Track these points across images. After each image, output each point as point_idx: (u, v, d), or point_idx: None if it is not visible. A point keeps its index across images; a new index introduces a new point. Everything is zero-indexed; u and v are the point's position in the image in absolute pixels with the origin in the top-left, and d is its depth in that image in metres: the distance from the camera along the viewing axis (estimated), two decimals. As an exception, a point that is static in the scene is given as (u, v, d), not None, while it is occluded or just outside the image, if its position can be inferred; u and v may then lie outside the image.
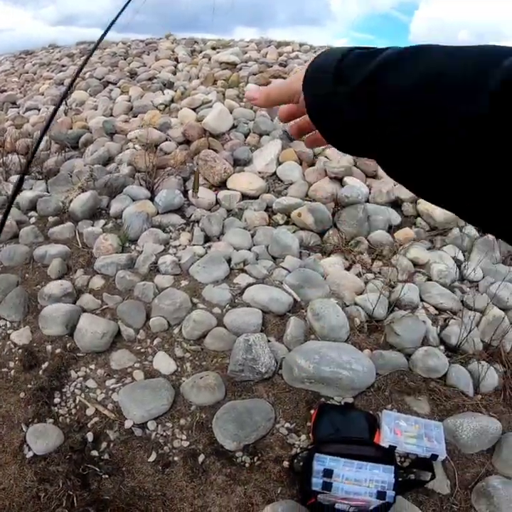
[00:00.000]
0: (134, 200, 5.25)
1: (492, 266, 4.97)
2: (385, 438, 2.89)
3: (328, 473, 2.54)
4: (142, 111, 7.50)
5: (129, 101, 8.14)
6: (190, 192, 5.40)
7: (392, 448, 2.81)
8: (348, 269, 4.62)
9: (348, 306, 4.07)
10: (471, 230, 5.30)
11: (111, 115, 7.75)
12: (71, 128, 7.40)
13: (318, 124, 0.60)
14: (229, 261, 4.42)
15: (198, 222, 5.07)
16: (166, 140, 6.46)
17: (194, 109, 7.20)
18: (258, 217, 5.08)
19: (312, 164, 5.94)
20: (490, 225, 0.45)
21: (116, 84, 9.28)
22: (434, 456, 2.85)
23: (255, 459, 2.95)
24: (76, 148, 6.85)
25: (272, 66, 9.07)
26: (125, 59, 10.88)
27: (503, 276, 4.61)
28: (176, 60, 10.28)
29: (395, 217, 5.31)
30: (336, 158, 5.88)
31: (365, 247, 4.89)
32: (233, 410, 3.12)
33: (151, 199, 5.30)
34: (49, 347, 3.64)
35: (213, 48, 10.95)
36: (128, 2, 2.26)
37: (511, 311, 4.42)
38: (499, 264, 5.06)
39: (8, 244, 4.74)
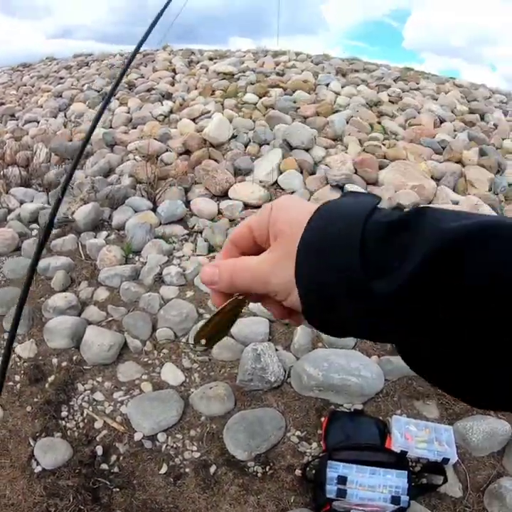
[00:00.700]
0: (136, 212, 5.27)
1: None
2: (396, 443, 2.88)
3: (342, 480, 2.53)
4: (141, 122, 7.55)
5: (128, 112, 8.21)
6: (191, 202, 5.44)
7: (404, 453, 2.80)
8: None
9: (355, 313, 4.08)
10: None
11: (110, 127, 7.83)
12: (71, 140, 7.45)
13: (322, 329, 0.47)
14: (233, 272, 4.42)
15: (200, 232, 5.09)
16: (167, 151, 6.49)
17: (193, 120, 7.26)
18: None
19: (313, 173, 5.97)
20: None
21: (114, 95, 9.30)
22: (446, 460, 2.84)
23: (267, 468, 2.94)
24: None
25: (269, 75, 9.16)
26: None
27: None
28: (174, 71, 10.37)
29: (397, 224, 5.30)
30: (337, 166, 5.91)
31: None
32: (243, 420, 3.11)
33: (154, 210, 5.32)
34: (55, 360, 3.62)
35: (210, 59, 11.05)
36: (160, 13, 2.26)
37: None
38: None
39: (11, 257, 4.74)
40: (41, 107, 9.69)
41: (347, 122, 7.21)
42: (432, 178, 6.17)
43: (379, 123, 7.57)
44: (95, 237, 4.99)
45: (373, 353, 3.74)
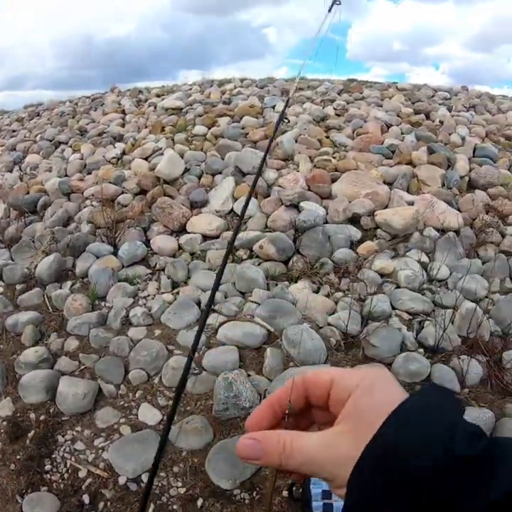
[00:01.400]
0: (97, 257, 5.30)
1: (457, 262, 5.15)
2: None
3: (326, 494, 2.57)
4: (95, 167, 7.59)
5: (82, 159, 8.24)
6: (151, 241, 5.51)
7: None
8: (316, 291, 4.72)
9: (321, 327, 4.17)
10: (430, 231, 5.47)
11: (66, 175, 7.82)
12: (28, 192, 7.43)
13: None
14: (198, 303, 4.50)
15: (163, 269, 5.15)
16: (122, 193, 6.55)
17: (146, 159, 7.33)
18: (221, 255, 5.13)
19: (267, 195, 6.06)
20: None
21: (67, 143, 9.37)
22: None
23: (254, 493, 2.98)
24: (35, 213, 6.89)
25: (216, 105, 9.31)
26: (73, 117, 11.02)
27: (468, 270, 4.76)
28: (123, 112, 10.45)
29: (355, 233, 5.44)
30: (290, 186, 6.02)
31: (331, 267, 5.00)
32: (224, 449, 3.15)
33: (115, 253, 5.36)
34: (33, 415, 3.62)
35: (158, 96, 11.17)
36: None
37: (482, 301, 4.59)
38: (463, 258, 5.25)
39: (-23, 316, 4.73)
40: (-4, 162, 9.66)
41: (296, 141, 7.34)
42: (384, 183, 6.30)
43: (327, 137, 7.72)
44: (60, 288, 5.01)
45: (345, 364, 3.83)
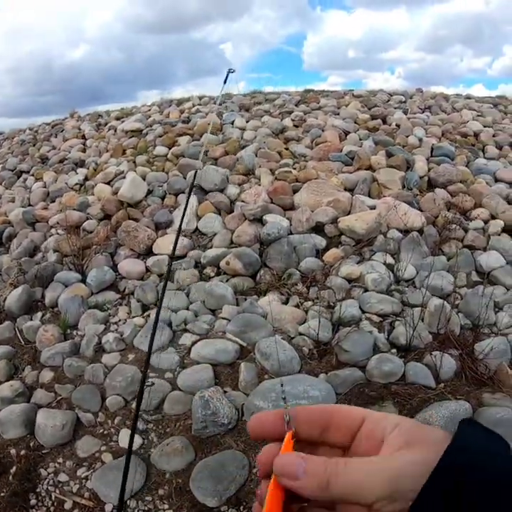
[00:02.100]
0: (66, 286, 5.29)
1: (422, 260, 5.27)
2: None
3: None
4: (59, 194, 7.55)
5: (45, 187, 8.20)
6: (118, 265, 5.52)
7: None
8: (285, 303, 4.79)
9: (293, 338, 4.23)
10: (394, 233, 5.58)
11: (29, 205, 7.78)
12: (-9, 224, 7.36)
13: None
14: (170, 324, 4.53)
15: (132, 293, 5.16)
16: (87, 219, 6.54)
17: (108, 183, 7.33)
18: (189, 275, 5.21)
19: (231, 211, 6.13)
20: None
21: (29, 172, 9.31)
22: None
23: (241, 508, 3.01)
24: (1, 245, 6.84)
25: (175, 125, 9.34)
26: (34, 145, 10.94)
27: (433, 267, 4.86)
28: (84, 137, 10.41)
29: (320, 241, 5.53)
30: (253, 200, 6.08)
31: (298, 277, 5.07)
32: (206, 468, 3.19)
33: (83, 281, 5.35)
34: (13, 451, 3.60)
35: (118, 118, 11.15)
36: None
37: (450, 296, 4.71)
38: (428, 256, 5.37)
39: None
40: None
41: (256, 155, 7.43)
42: (345, 189, 6.42)
43: (287, 149, 7.82)
44: (31, 320, 4.99)
45: (320, 371, 3.89)
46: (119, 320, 4.80)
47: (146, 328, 4.45)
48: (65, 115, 12.92)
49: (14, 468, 3.49)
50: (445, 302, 4.41)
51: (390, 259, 5.29)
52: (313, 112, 9.82)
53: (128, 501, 3.14)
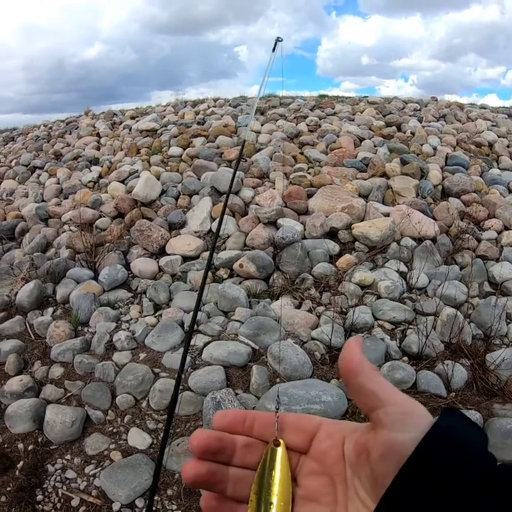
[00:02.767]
0: (78, 283, 5.30)
1: (435, 269, 5.25)
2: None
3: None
4: (72, 191, 7.59)
5: (58, 183, 8.24)
6: (131, 264, 5.52)
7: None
8: (298, 307, 4.78)
9: (305, 342, 4.21)
10: (407, 241, 5.57)
11: (42, 200, 7.82)
12: (5, 219, 7.42)
13: None
14: (182, 325, 4.52)
15: (144, 292, 5.17)
16: (100, 217, 6.56)
17: (122, 182, 7.35)
18: (202, 276, 5.18)
19: (245, 214, 6.13)
20: None
21: (43, 168, 9.36)
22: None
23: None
24: (13, 239, 6.86)
25: (190, 126, 9.37)
26: (48, 141, 10.99)
27: (446, 277, 4.86)
28: (98, 135, 10.46)
29: (333, 247, 5.51)
30: (267, 203, 6.08)
31: (311, 282, 5.06)
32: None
33: (95, 278, 5.36)
34: (21, 445, 3.58)
35: (132, 118, 11.19)
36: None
37: (462, 306, 4.68)
38: (441, 265, 5.36)
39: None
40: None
41: (271, 159, 7.44)
42: (359, 196, 6.42)
43: (302, 153, 7.82)
44: (42, 315, 4.99)
45: (332, 376, 3.87)
46: (131, 319, 4.79)
47: (158, 328, 4.44)
48: (79, 113, 13.00)
49: (21, 463, 3.47)
50: (458, 312, 4.38)
51: (403, 267, 5.27)
52: (328, 117, 9.84)
53: (136, 501, 3.13)
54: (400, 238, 5.68)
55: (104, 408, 3.80)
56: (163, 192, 6.84)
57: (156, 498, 3.14)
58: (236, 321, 4.50)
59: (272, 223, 5.66)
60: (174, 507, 3.08)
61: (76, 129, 11.40)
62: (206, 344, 4.19)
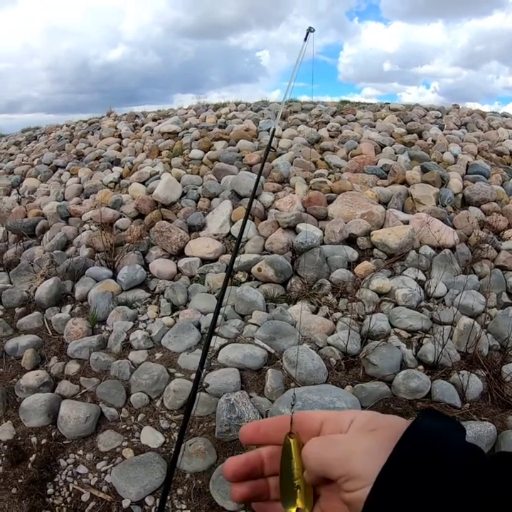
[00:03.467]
0: (97, 281, 5.35)
1: (454, 278, 5.21)
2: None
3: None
4: (93, 191, 7.66)
5: (80, 183, 8.32)
6: (150, 265, 5.56)
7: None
8: (315, 312, 4.77)
9: (321, 348, 4.21)
10: (426, 249, 5.54)
11: (64, 199, 7.89)
12: (26, 216, 7.49)
13: None
14: (198, 326, 4.54)
15: (162, 293, 5.20)
16: (120, 217, 6.62)
17: (143, 183, 7.40)
18: (220, 278, 5.20)
19: (264, 218, 6.14)
20: None
21: (64, 167, 9.47)
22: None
23: (259, 513, 2.98)
24: (33, 236, 6.94)
25: (212, 129, 9.41)
26: (71, 141, 11.12)
27: (464, 286, 4.81)
28: (120, 136, 10.56)
29: (352, 253, 5.50)
30: (287, 208, 6.09)
31: (329, 288, 5.05)
32: (227, 471, 3.16)
33: (114, 277, 5.40)
34: (34, 439, 3.62)
35: (154, 120, 11.28)
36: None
37: (480, 316, 4.65)
38: (460, 275, 5.32)
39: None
40: (-6, 184, 9.73)
41: (291, 164, 7.45)
42: (379, 203, 6.39)
43: (322, 159, 7.82)
44: (60, 312, 5.04)
45: (346, 383, 3.86)
46: (148, 318, 4.82)
47: (175, 329, 4.46)
48: (101, 113, 13.13)
49: (34, 456, 3.49)
50: (475, 322, 4.35)
51: (421, 276, 5.25)
52: (349, 123, 9.84)
53: (146, 498, 3.14)
54: (418, 246, 5.66)
55: (119, 406, 3.83)
56: (184, 194, 6.88)
57: (166, 497, 3.15)
58: (253, 324, 4.51)
59: (291, 228, 5.67)
60: (184, 506, 3.08)
61: (98, 129, 11.52)
62: (222, 346, 4.21)
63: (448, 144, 8.69)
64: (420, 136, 9.24)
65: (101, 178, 8.13)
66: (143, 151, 9.13)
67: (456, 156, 8.13)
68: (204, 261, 5.62)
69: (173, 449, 1.95)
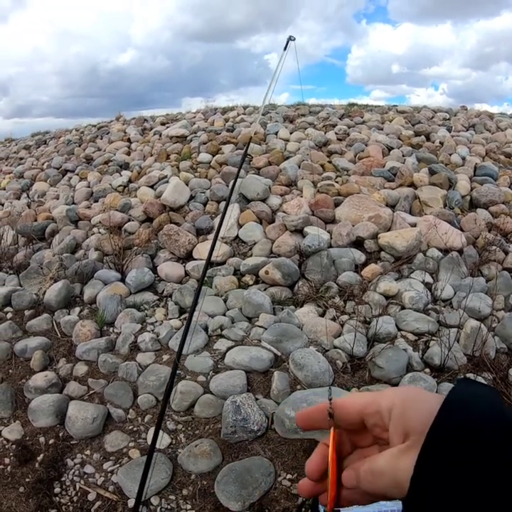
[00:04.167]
0: (105, 284, 5.39)
1: (461, 281, 5.20)
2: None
3: (335, 513, 2.59)
4: (102, 195, 7.72)
5: (89, 187, 8.39)
6: (158, 268, 5.58)
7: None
8: (322, 315, 4.78)
9: (327, 350, 4.22)
10: (433, 251, 5.53)
11: (73, 203, 7.96)
12: (36, 220, 7.55)
13: None
14: (206, 329, 4.57)
15: (170, 296, 5.23)
16: (129, 220, 6.66)
17: (152, 186, 7.45)
18: (228, 281, 5.25)
19: (272, 221, 6.16)
20: None
21: (74, 171, 9.53)
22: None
23: (263, 515, 2.99)
24: (43, 240, 7.00)
25: (220, 133, 9.44)
26: (80, 145, 11.19)
27: (471, 289, 4.79)
28: (129, 140, 10.61)
29: (359, 256, 5.51)
30: (294, 211, 6.11)
31: (336, 290, 5.06)
32: (232, 472, 3.17)
33: (122, 280, 5.45)
34: (42, 439, 3.66)
35: (163, 124, 11.33)
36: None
37: (487, 319, 4.63)
38: (467, 277, 5.30)
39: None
40: (4, 189, 9.85)
41: (299, 167, 7.47)
42: (387, 205, 6.40)
43: (330, 162, 7.83)
44: (69, 314, 5.08)
45: (352, 385, 3.86)
46: (156, 321, 4.86)
47: (183, 331, 4.47)
48: (110, 118, 13.18)
49: (41, 455, 3.53)
50: (482, 324, 4.34)
51: (428, 278, 5.24)
52: (357, 126, 9.83)
53: (151, 498, 3.16)
54: (426, 249, 5.66)
55: (126, 407, 3.86)
56: (192, 198, 6.92)
57: (171, 497, 3.18)
58: (259, 326, 4.54)
59: (299, 231, 5.69)
60: (189, 507, 3.10)
61: (107, 133, 11.58)
62: (229, 349, 4.23)
63: (456, 145, 8.67)
64: (428, 138, 9.22)
65: (110, 182, 8.19)
66: (151, 155, 9.18)
67: (463, 158, 8.11)
68: (212, 264, 5.61)
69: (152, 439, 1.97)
